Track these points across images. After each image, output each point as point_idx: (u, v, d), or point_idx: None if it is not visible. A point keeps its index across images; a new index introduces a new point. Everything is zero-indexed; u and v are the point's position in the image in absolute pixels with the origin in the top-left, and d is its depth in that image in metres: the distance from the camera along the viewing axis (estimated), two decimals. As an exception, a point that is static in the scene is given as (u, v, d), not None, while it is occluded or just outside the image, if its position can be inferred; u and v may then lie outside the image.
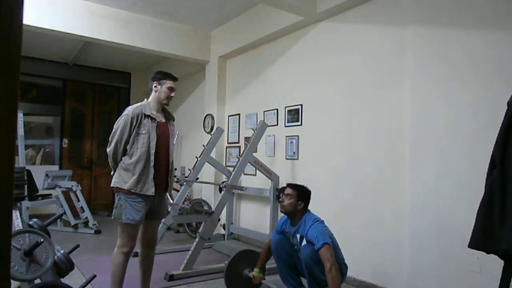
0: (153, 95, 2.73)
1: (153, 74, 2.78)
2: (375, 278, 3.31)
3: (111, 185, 2.62)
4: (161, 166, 2.66)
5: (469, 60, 2.73)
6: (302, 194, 2.77)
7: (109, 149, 2.61)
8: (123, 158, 2.59)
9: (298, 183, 4.19)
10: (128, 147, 2.58)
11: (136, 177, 2.53)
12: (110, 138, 2.62)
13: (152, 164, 2.58)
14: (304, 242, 2.64)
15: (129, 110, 2.62)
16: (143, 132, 2.58)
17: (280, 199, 2.83)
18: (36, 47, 6.35)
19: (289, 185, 2.86)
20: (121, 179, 2.56)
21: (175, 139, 6.57)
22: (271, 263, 3.02)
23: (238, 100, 5.46)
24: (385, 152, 3.31)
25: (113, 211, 2.60)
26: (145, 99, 2.74)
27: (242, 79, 5.39)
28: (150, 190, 2.56)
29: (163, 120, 2.75)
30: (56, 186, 5.73)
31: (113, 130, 2.60)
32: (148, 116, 2.62)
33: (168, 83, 2.72)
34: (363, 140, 3.52)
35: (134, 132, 2.56)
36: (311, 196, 2.86)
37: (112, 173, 2.67)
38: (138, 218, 2.54)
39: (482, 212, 1.58)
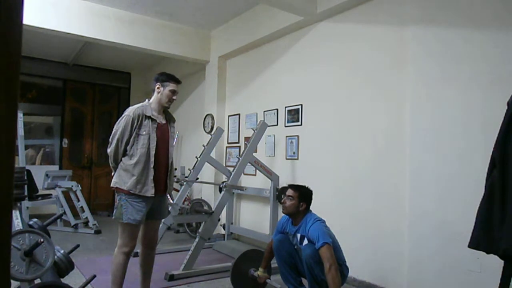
0: (155, 96, 2.73)
1: (156, 75, 2.77)
2: (375, 278, 3.31)
3: (111, 185, 2.62)
4: (161, 167, 2.66)
5: (469, 60, 2.73)
6: (303, 195, 2.76)
7: (109, 150, 2.61)
8: (123, 158, 2.59)
9: (298, 183, 4.19)
10: (128, 147, 2.58)
11: (135, 178, 2.53)
12: (110, 139, 2.62)
13: (152, 165, 2.58)
14: (305, 242, 2.65)
15: (130, 111, 2.61)
16: (143, 133, 2.58)
17: (282, 200, 2.82)
18: (36, 47, 6.36)
19: (290, 186, 2.85)
20: (120, 179, 2.57)
21: (175, 140, 6.59)
22: (275, 263, 3.02)
23: (238, 100, 5.46)
24: (385, 152, 3.31)
25: (114, 211, 2.61)
26: (146, 100, 2.74)
27: (242, 79, 5.39)
28: (150, 191, 2.56)
29: (164, 122, 2.75)
30: (56, 186, 5.73)
31: (114, 131, 2.60)
32: (149, 117, 2.62)
33: (171, 86, 2.71)
34: (363, 139, 3.52)
35: (134, 133, 2.56)
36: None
37: (112, 173, 2.68)
38: (139, 218, 2.55)
39: (482, 212, 1.58)
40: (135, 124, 2.56)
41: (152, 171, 2.57)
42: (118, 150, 2.58)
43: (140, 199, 2.55)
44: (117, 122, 2.62)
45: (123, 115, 2.62)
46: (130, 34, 5.03)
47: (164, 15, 5.12)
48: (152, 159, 2.58)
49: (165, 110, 2.79)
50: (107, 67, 7.71)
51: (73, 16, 4.60)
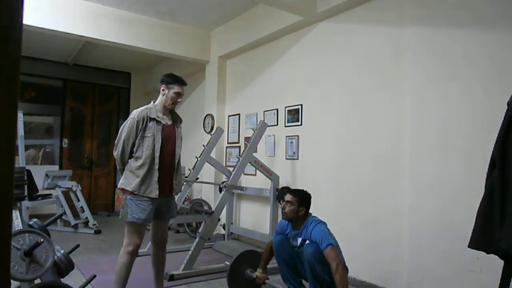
0: (160, 98, 2.76)
1: (162, 76, 2.80)
2: (375, 278, 3.31)
3: (118, 186, 2.68)
4: (166, 168, 2.68)
5: (468, 60, 2.73)
6: (303, 199, 2.73)
7: (116, 153, 2.66)
8: (129, 160, 2.64)
9: (298, 183, 4.20)
10: (134, 149, 2.62)
11: (140, 179, 2.57)
12: (116, 142, 2.67)
13: (156, 167, 2.61)
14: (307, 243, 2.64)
15: (134, 114, 2.65)
16: (148, 135, 2.61)
17: (282, 206, 2.80)
18: (36, 47, 6.35)
19: (289, 191, 2.83)
20: (126, 180, 2.62)
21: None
22: (271, 263, 3.02)
23: (238, 100, 5.46)
24: (385, 152, 3.31)
25: (120, 211, 2.65)
26: (152, 101, 2.78)
27: (242, 79, 5.39)
28: (153, 192, 2.59)
29: (170, 123, 2.77)
30: (56, 186, 5.73)
31: (119, 134, 2.65)
32: (154, 119, 2.65)
33: (176, 89, 2.73)
34: (363, 140, 3.52)
35: (139, 135, 2.60)
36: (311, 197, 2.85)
37: (120, 174, 2.73)
38: (144, 216, 2.57)
39: (482, 212, 1.58)
40: (140, 126, 2.60)
41: (156, 173, 2.60)
42: (124, 153, 2.63)
43: (144, 199, 2.58)
44: (123, 125, 2.67)
45: (128, 118, 2.67)
46: (130, 34, 5.03)
47: (164, 15, 5.12)
48: (157, 160, 2.61)
49: (171, 111, 2.82)
50: (107, 67, 7.71)
51: (73, 16, 4.60)
